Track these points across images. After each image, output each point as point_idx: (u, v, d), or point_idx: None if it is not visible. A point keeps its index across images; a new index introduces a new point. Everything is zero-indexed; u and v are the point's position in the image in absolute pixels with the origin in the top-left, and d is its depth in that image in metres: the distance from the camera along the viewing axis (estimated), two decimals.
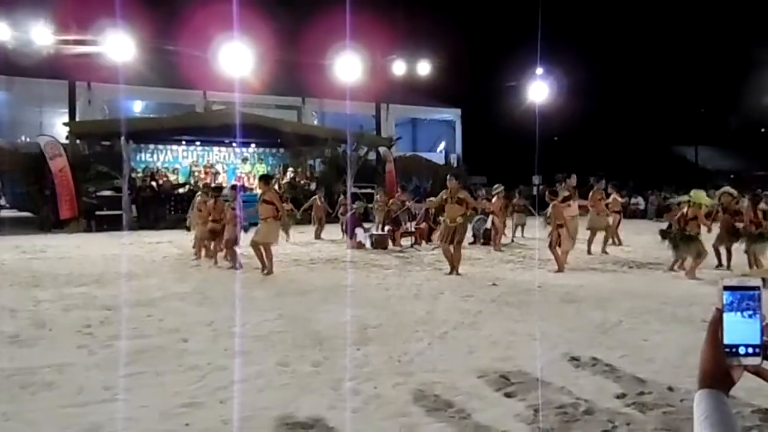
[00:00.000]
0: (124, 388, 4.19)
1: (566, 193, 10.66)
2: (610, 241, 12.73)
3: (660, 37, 37.19)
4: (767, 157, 37.63)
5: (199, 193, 12.74)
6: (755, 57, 28.85)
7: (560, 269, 9.69)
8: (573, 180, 11.55)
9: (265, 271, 9.52)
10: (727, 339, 0.90)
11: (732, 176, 36.20)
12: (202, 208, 11.37)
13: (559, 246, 9.88)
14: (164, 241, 14.57)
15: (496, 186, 14.12)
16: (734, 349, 0.90)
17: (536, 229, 14.02)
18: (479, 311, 6.72)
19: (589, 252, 11.99)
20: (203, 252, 11.30)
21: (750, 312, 0.90)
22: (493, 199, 13.73)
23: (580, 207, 11.53)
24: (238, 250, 10.35)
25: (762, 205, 9.98)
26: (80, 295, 7.69)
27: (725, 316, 0.91)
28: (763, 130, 40.18)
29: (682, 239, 9.16)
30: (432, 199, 11.57)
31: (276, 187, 15.17)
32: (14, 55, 19.50)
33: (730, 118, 37.88)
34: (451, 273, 9.46)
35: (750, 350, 0.89)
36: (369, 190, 19.49)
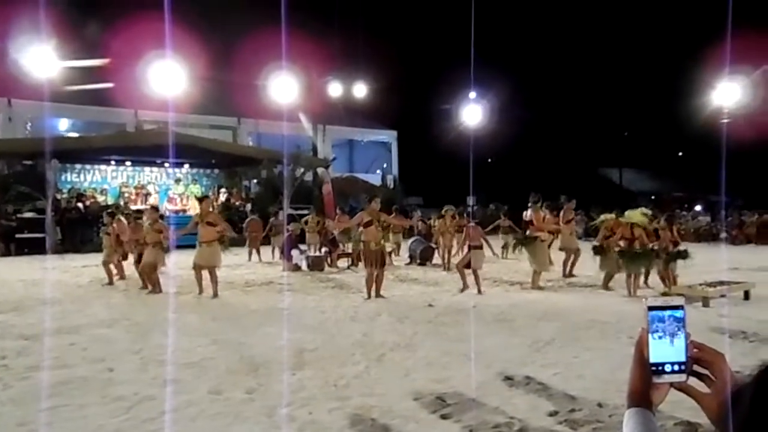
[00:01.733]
0: (44, 422, 3.95)
1: (570, 216, 10.98)
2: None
3: (587, 63, 38.95)
4: (685, 179, 39.87)
5: (106, 214, 12.26)
6: (676, 84, 30.65)
7: (465, 288, 9.78)
8: (573, 204, 11.63)
9: (203, 294, 9.31)
10: (653, 358, 0.93)
11: (653, 197, 38.12)
12: (110, 231, 11.05)
13: (468, 267, 9.88)
14: (91, 265, 13.91)
15: (446, 207, 14.22)
16: (660, 368, 0.92)
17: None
18: (415, 333, 6.74)
19: (566, 274, 11.74)
20: (114, 274, 11.01)
21: (675, 330, 0.93)
22: (439, 220, 13.86)
23: (550, 229, 11.39)
24: (160, 273, 10.06)
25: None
26: None
27: (650, 335, 0.93)
28: (680, 153, 42.56)
29: (633, 257, 9.49)
30: (328, 222, 11.54)
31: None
32: None
33: (650, 141, 39.98)
34: (369, 297, 9.20)
35: (675, 368, 0.92)
36: (305, 212, 19.37)
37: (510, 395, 4.51)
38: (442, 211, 14.41)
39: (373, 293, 9.25)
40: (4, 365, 5.37)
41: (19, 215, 17.99)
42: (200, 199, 11.17)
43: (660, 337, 0.93)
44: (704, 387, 0.91)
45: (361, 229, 9.68)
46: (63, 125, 25.71)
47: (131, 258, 11.18)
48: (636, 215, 9.77)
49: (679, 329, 0.93)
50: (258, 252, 15.66)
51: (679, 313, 0.94)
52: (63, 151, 19.29)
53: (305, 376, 5.01)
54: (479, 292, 9.62)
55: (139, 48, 20.99)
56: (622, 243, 9.73)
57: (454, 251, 14.04)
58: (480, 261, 9.98)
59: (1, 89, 21.16)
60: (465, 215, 15.50)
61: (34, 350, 5.93)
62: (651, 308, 0.95)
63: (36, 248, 16.95)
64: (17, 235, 17.70)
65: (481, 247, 10.00)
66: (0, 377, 4.98)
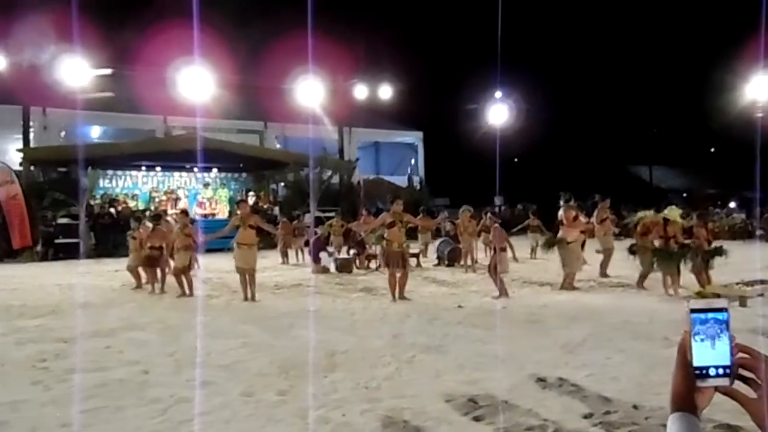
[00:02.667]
0: (83, 424, 4.03)
1: (604, 215, 10.90)
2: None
3: (615, 60, 38.43)
4: (718, 175, 39.03)
5: (132, 219, 12.43)
6: (707, 78, 30.04)
7: (501, 294, 9.29)
8: (607, 202, 11.38)
9: (242, 298, 9.40)
10: (696, 361, 0.91)
11: (685, 195, 37.40)
12: (135, 236, 11.21)
13: (496, 271, 9.63)
14: (123, 269, 14.13)
15: (463, 207, 14.14)
16: (704, 371, 0.91)
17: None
18: (445, 334, 6.72)
19: (602, 274, 11.50)
20: (143, 279, 11.08)
21: (718, 333, 0.91)
22: (458, 220, 13.78)
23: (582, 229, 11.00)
24: (193, 276, 10.18)
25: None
26: (35, 328, 7.41)
27: (693, 338, 0.92)
28: (713, 150, 41.69)
29: (668, 255, 9.33)
30: (357, 223, 11.52)
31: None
32: None
33: (681, 137, 39.21)
34: (394, 300, 9.14)
35: (720, 371, 0.90)
36: (332, 214, 19.48)
37: (543, 397, 4.47)
38: (460, 211, 14.32)
39: (397, 295, 9.23)
40: (44, 367, 5.50)
41: (52, 222, 18.41)
42: (238, 203, 11.26)
43: (702, 340, 0.92)
44: (750, 391, 0.89)
45: (385, 230, 9.67)
46: (95, 132, 26.23)
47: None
48: (674, 213, 9.60)
49: (722, 332, 0.91)
50: (287, 255, 15.80)
51: (722, 315, 0.92)
52: (95, 157, 19.69)
53: (336, 378, 5.03)
54: (502, 295, 9.27)
55: (168, 55, 21.35)
56: (657, 242, 9.57)
57: (479, 254, 13.96)
58: (506, 264, 9.84)
59: (36, 99, 21.65)
60: (491, 215, 15.37)
61: (72, 353, 6.07)
62: (693, 310, 0.93)
63: (70, 253, 17.34)
64: (54, 241, 18.12)
65: (505, 250, 9.87)
66: (41, 379, 5.11)
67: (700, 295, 8.91)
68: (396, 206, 9.44)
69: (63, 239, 18.12)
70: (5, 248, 17.62)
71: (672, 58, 36.84)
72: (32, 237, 17.85)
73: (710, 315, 0.92)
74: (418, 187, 28.47)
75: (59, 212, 18.40)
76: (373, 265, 13.94)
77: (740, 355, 0.91)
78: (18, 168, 19.36)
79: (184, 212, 11.78)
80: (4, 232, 17.85)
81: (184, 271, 10.00)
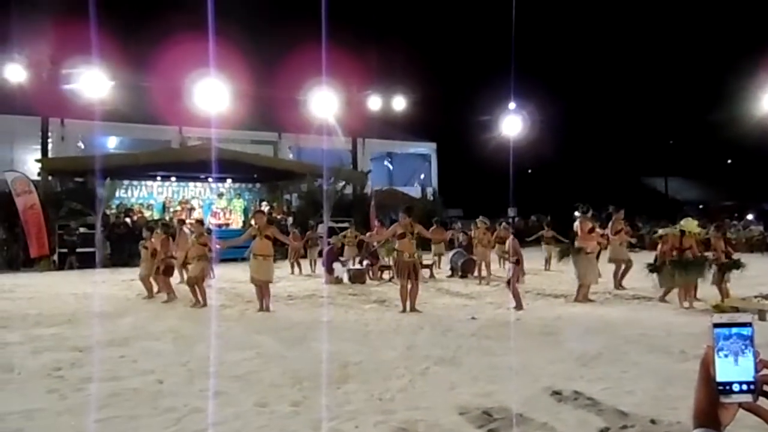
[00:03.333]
0: None
1: (619, 227, 10.63)
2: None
3: (630, 70, 38.32)
4: (734, 187, 38.62)
5: (145, 228, 12.45)
6: (723, 89, 29.83)
7: (518, 306, 9.28)
8: (622, 213, 11.17)
9: (256, 308, 9.41)
10: (720, 377, 0.90)
11: (701, 206, 37.03)
12: (147, 245, 11.26)
13: (517, 282, 9.65)
14: (138, 279, 14.28)
15: (479, 219, 14.08)
16: (727, 387, 0.90)
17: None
18: (459, 346, 6.68)
19: (618, 286, 11.47)
20: (155, 289, 11.13)
21: (741, 348, 0.90)
22: (473, 232, 13.73)
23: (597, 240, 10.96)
24: (207, 287, 10.22)
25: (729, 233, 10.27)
26: (51, 336, 7.47)
27: (717, 354, 0.91)
28: (729, 161, 41.30)
29: (686, 267, 9.23)
30: (371, 234, 11.45)
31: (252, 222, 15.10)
32: None
33: (697, 149, 38.85)
34: (404, 311, 9.10)
35: (743, 387, 0.89)
36: (345, 225, 19.50)
37: (558, 410, 4.42)
38: (475, 223, 14.27)
39: (408, 306, 9.18)
40: (59, 376, 5.54)
41: (75, 231, 18.61)
42: (256, 213, 11.23)
43: (726, 356, 0.90)
44: None
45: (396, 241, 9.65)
46: (112, 143, 26.55)
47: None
48: (690, 224, 9.50)
49: (746, 347, 0.90)
50: (299, 265, 15.83)
51: (746, 331, 0.91)
52: (112, 167, 19.91)
53: (350, 389, 5.01)
54: (518, 306, 9.23)
55: (184, 66, 21.62)
56: (674, 253, 9.47)
57: (494, 266, 13.87)
58: (521, 275, 9.81)
59: (55, 110, 21.98)
60: (505, 225, 15.20)
61: (87, 362, 6.10)
62: (717, 325, 0.92)
63: (86, 262, 17.53)
64: (76, 250, 18.32)
65: (519, 261, 9.78)
66: (57, 388, 5.14)
67: (717, 308, 8.80)
68: (406, 218, 9.36)
69: (79, 249, 18.31)
70: (22, 257, 17.83)
71: (688, 68, 36.63)
72: (49, 246, 18.05)
73: (734, 330, 0.91)
74: (432, 198, 28.43)
75: (76, 222, 18.60)
76: (386, 276, 13.92)
77: (764, 371, 0.89)
78: (36, 178, 19.62)
79: (200, 222, 11.77)
80: (22, 241, 18.08)
81: (198, 281, 10.03)
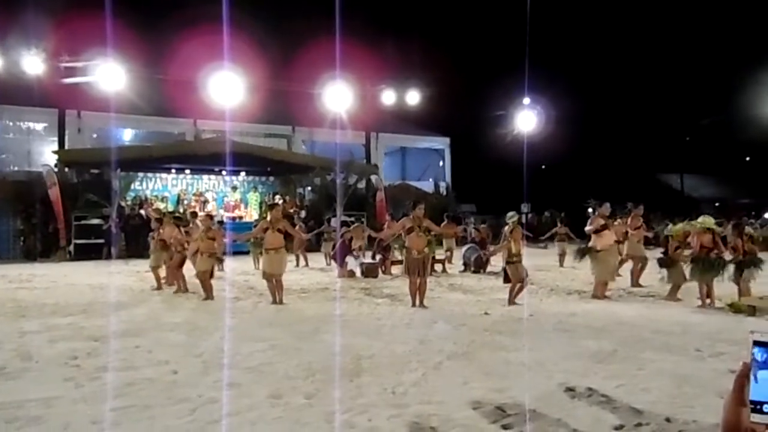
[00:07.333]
0: (113, 422, 4.09)
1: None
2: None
3: (647, 66, 37.96)
4: (751, 184, 38.15)
5: (154, 220, 12.41)
6: (739, 85, 29.46)
7: (509, 303, 9.24)
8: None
9: (272, 302, 9.42)
10: (753, 395, 0.89)
11: (717, 204, 36.62)
12: (155, 236, 11.33)
13: (506, 281, 9.59)
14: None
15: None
16: (758, 407, 0.88)
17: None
18: (472, 341, 6.67)
19: (635, 284, 11.35)
20: (163, 280, 11.18)
21: None
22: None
23: (617, 234, 10.89)
24: (218, 279, 10.24)
25: (748, 230, 10.11)
26: (67, 326, 7.56)
27: (754, 371, 0.89)
28: (747, 158, 40.79)
29: (706, 265, 9.15)
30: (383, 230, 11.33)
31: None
32: (3, 83, 19.48)
33: (714, 145, 38.37)
34: (414, 305, 9.07)
35: None
36: (352, 219, 19.54)
37: (572, 407, 4.40)
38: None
39: (417, 302, 9.15)
40: (76, 365, 5.60)
41: (84, 221, 18.80)
42: (271, 206, 11.19)
43: (764, 374, 0.89)
44: None
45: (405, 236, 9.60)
46: (127, 135, 26.72)
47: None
48: (708, 222, 9.40)
49: None
50: (305, 257, 15.84)
51: None
52: (127, 160, 20.06)
53: (363, 382, 5.02)
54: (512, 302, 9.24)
55: (199, 59, 21.70)
56: (687, 252, 9.38)
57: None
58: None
59: (72, 102, 22.17)
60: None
61: (103, 351, 6.16)
62: (756, 343, 0.90)
63: (101, 253, 17.75)
64: (95, 241, 18.55)
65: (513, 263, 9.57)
66: (73, 376, 5.20)
67: (733, 306, 8.71)
68: (417, 211, 9.25)
69: (94, 239, 18.51)
70: (39, 248, 18.05)
71: (705, 64, 36.20)
72: (66, 237, 18.28)
73: None
74: (445, 193, 28.35)
75: (92, 213, 18.80)
76: (396, 270, 13.88)
77: None
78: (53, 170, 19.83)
79: (209, 216, 11.69)
80: (39, 232, 18.31)
81: (205, 275, 10.03)
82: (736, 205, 35.01)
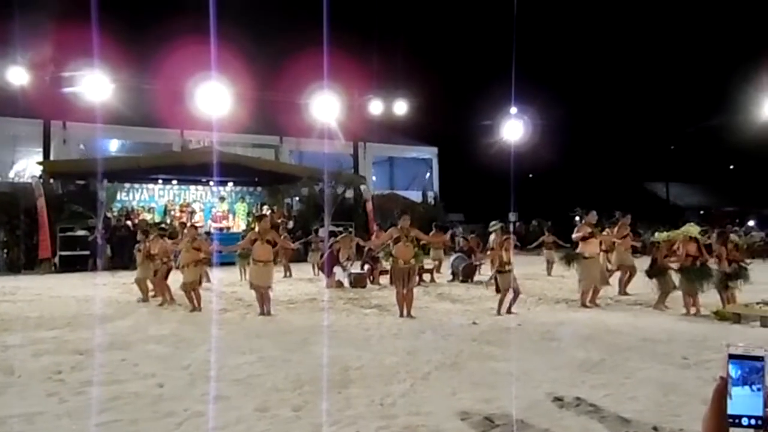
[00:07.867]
0: None
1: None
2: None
3: (632, 76, 38.37)
4: (735, 192, 38.60)
5: (140, 231, 12.32)
6: (723, 94, 29.88)
7: (498, 312, 9.30)
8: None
9: (258, 313, 9.35)
10: (731, 409, 0.90)
11: (702, 212, 36.99)
12: (141, 248, 11.22)
13: (498, 291, 9.62)
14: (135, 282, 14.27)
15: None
16: (736, 420, 0.89)
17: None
18: (460, 351, 6.66)
19: (622, 293, 11.43)
20: (151, 293, 11.07)
21: (754, 382, 0.90)
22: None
23: (603, 243, 10.99)
24: (204, 290, 10.15)
25: (733, 237, 10.21)
26: (51, 339, 7.45)
27: (730, 386, 0.90)
28: (731, 166, 41.29)
29: (693, 274, 9.21)
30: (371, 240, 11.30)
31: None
32: None
33: (699, 154, 38.80)
34: (402, 315, 9.07)
35: (752, 422, 0.89)
36: (340, 229, 19.48)
37: (560, 417, 4.41)
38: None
39: (405, 312, 9.13)
40: (60, 379, 5.53)
41: (70, 233, 18.61)
42: (259, 218, 11.12)
43: (739, 388, 0.90)
44: None
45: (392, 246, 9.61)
46: (113, 146, 26.55)
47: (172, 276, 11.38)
48: (693, 230, 9.48)
49: (757, 381, 0.90)
50: (288, 268, 15.75)
51: (759, 364, 0.91)
52: (113, 170, 19.91)
53: (351, 394, 5.00)
54: (502, 312, 9.30)
55: (186, 69, 21.66)
56: (674, 260, 9.45)
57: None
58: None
59: (57, 113, 22.00)
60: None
61: (88, 365, 6.09)
62: (732, 356, 0.92)
63: (87, 265, 17.57)
64: (82, 252, 18.36)
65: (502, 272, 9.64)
66: (57, 391, 5.12)
67: (718, 314, 8.78)
68: (404, 222, 9.29)
69: (80, 251, 18.33)
70: (23, 260, 17.85)
71: (689, 73, 36.67)
72: (51, 249, 18.09)
73: (748, 363, 0.91)
74: (433, 203, 28.41)
75: (77, 224, 18.62)
76: (383, 280, 13.86)
77: None
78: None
79: (194, 227, 11.63)
80: (23, 244, 18.12)
81: (193, 286, 9.97)
82: (720, 213, 35.42)
